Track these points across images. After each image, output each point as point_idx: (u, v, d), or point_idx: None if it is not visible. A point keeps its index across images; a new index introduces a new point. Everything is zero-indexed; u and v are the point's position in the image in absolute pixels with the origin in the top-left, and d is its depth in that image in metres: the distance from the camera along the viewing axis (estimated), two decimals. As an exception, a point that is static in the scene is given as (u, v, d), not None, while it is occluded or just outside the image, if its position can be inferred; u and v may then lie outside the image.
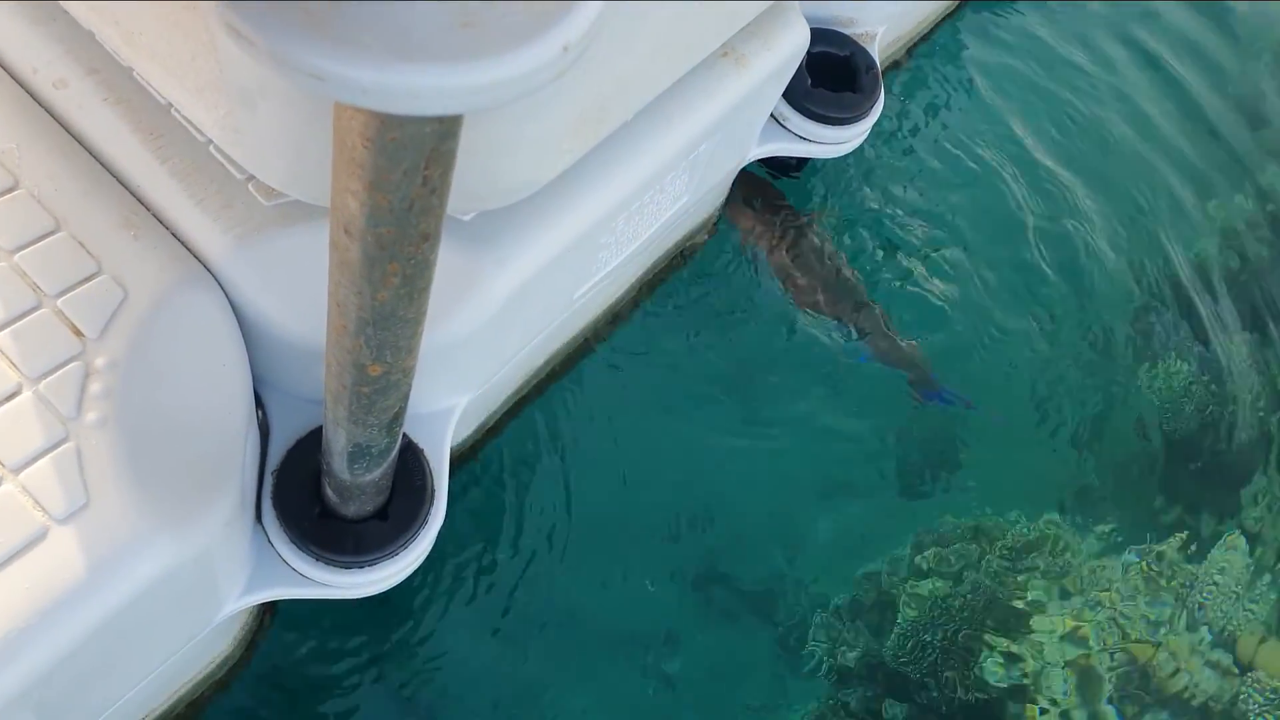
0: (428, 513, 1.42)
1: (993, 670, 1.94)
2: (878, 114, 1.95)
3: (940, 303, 2.25)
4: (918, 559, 2.01)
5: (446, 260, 1.19)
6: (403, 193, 0.73)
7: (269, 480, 1.37)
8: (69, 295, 1.14)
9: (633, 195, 1.44)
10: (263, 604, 1.63)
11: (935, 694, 1.91)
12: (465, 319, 1.31)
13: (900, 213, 2.33)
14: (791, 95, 1.86)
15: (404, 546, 1.40)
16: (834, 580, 1.98)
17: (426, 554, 1.45)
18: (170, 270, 1.19)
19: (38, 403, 1.08)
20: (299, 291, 1.23)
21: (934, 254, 2.31)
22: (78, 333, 1.13)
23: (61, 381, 1.10)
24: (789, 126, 1.89)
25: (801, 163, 2.20)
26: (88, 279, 1.15)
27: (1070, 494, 2.15)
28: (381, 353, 0.97)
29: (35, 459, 1.06)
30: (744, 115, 1.64)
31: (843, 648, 1.92)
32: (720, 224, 2.17)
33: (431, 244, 0.85)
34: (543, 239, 1.33)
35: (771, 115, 1.88)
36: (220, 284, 1.22)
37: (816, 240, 2.15)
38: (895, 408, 2.13)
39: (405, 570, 1.43)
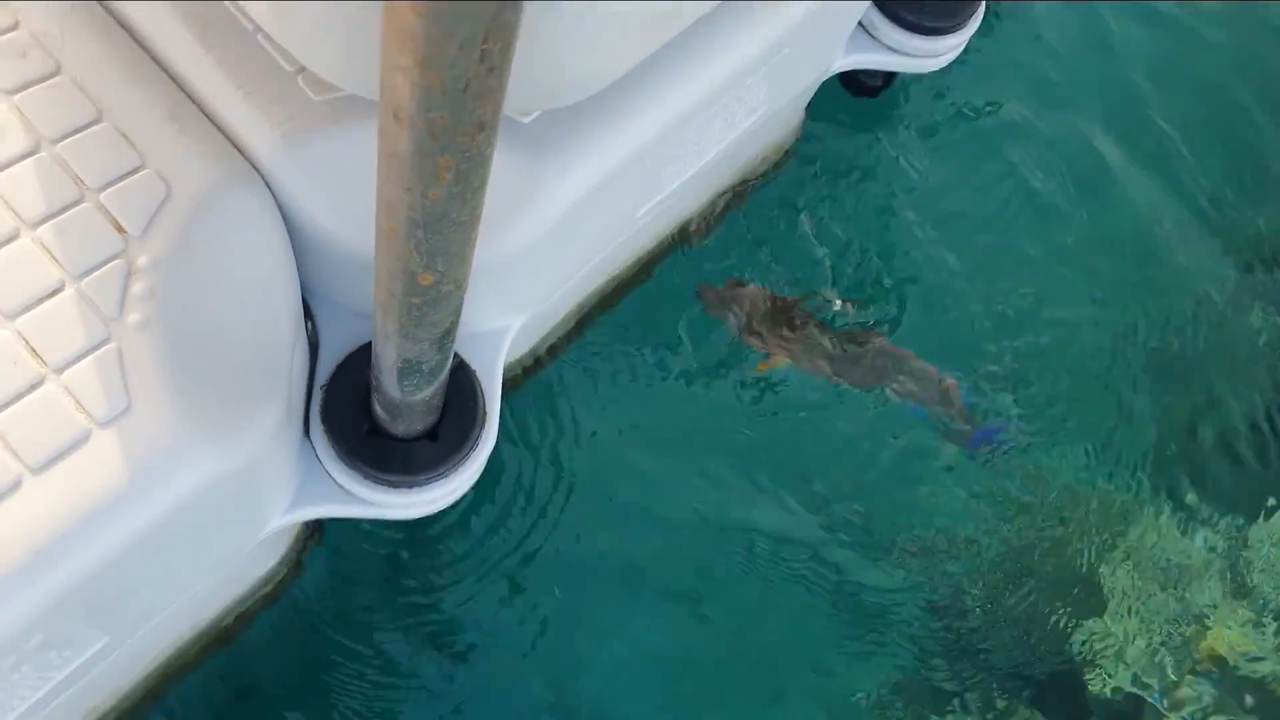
0: (479, 435, 1.37)
1: (1058, 626, 1.88)
2: (976, 25, 1.80)
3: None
4: (991, 507, 1.93)
5: (503, 167, 1.12)
6: (458, 70, 0.66)
7: (317, 395, 1.33)
8: (111, 190, 1.09)
9: (706, 102, 1.34)
10: (311, 522, 1.61)
11: (1010, 656, 1.85)
12: (522, 232, 1.24)
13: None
14: (882, 1, 1.73)
15: (454, 469, 1.35)
16: (899, 518, 1.90)
17: (477, 478, 1.41)
18: (216, 168, 1.13)
19: (80, 301, 1.04)
20: (350, 196, 1.17)
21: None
22: (120, 229, 1.08)
23: (104, 279, 1.05)
24: (878, 36, 1.75)
25: (888, 79, 2.06)
26: (130, 173, 1.10)
27: (1153, 456, 2.03)
28: (433, 260, 0.91)
29: (77, 359, 1.02)
30: (830, 19, 1.51)
31: (905, 589, 1.86)
32: (800, 144, 2.05)
33: (488, 135, 0.77)
34: (607, 147, 1.25)
35: (860, 24, 1.74)
36: (268, 184, 1.16)
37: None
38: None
39: (454, 493, 1.39)
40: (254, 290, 1.13)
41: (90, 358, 1.02)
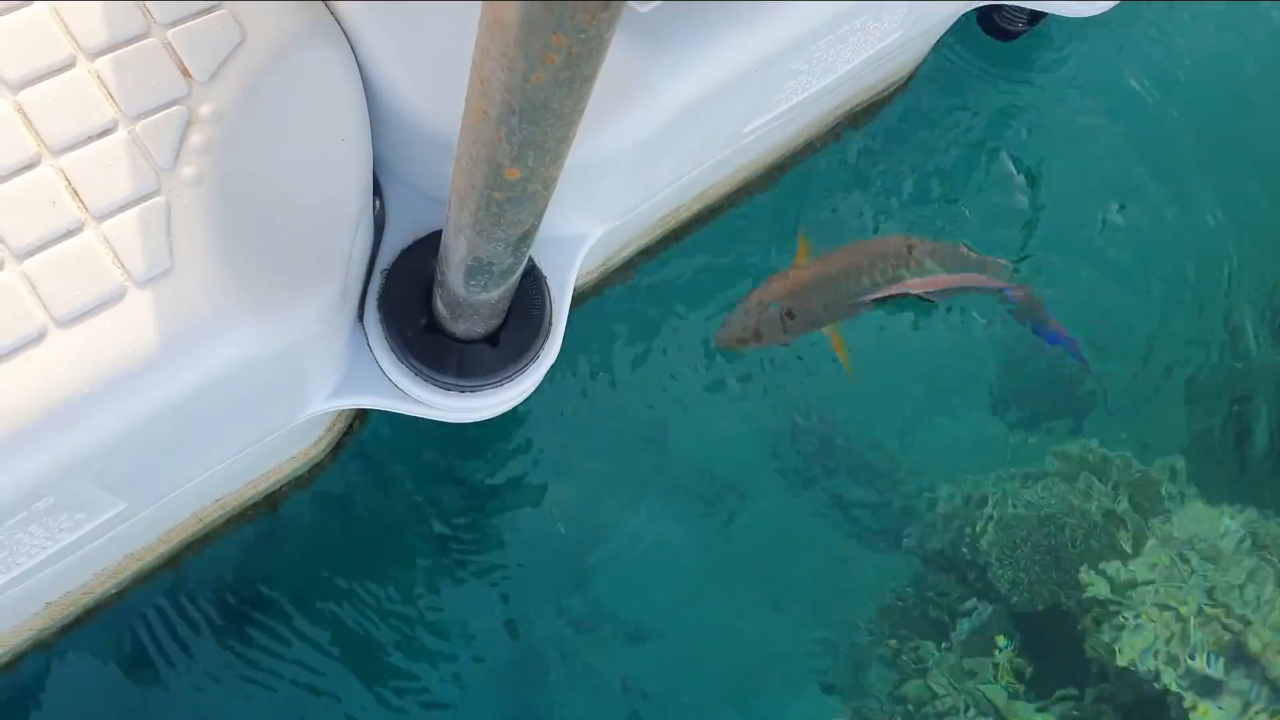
0: (541, 346, 1.27)
1: (1080, 595, 1.81)
2: None
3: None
4: (1025, 476, 1.84)
5: (611, 57, 0.99)
6: (592, -76, 0.53)
7: (377, 279, 1.23)
8: (181, 27, 0.98)
9: (844, 17, 1.19)
10: (351, 414, 1.54)
11: (1016, 602, 1.79)
12: (621, 133, 1.11)
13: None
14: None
15: (510, 378, 1.26)
16: (934, 478, 1.82)
17: (532, 390, 1.32)
18: (296, 18, 1.02)
19: (132, 145, 0.94)
20: (441, 67, 1.05)
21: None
22: (185, 72, 0.97)
23: (161, 125, 0.95)
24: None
25: (1031, 22, 1.87)
26: (204, 12, 0.99)
27: (1186, 447, 1.92)
28: (523, 153, 0.79)
29: (121, 209, 0.93)
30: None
31: (930, 540, 1.80)
32: (917, 78, 1.88)
33: (610, 16, 0.65)
34: (728, 51, 1.11)
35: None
36: (351, 43, 1.05)
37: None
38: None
39: (508, 403, 1.30)
40: (323, 157, 1.02)
41: (135, 209, 0.93)
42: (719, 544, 1.72)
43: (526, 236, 0.98)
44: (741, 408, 1.78)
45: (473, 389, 1.26)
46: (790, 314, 1.74)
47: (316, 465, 1.52)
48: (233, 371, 0.97)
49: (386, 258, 1.23)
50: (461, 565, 1.64)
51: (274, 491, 1.49)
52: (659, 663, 1.67)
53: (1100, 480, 1.86)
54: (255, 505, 1.48)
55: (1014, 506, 1.83)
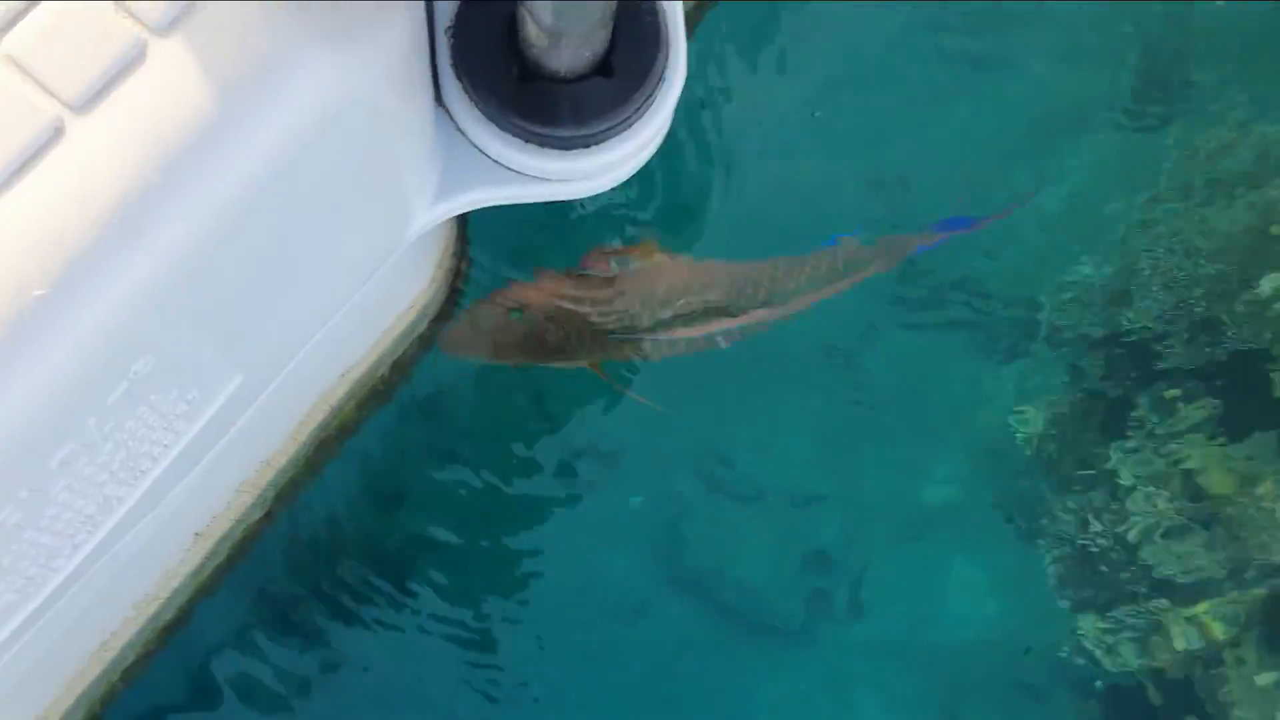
0: (665, 63, 1.00)
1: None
2: None
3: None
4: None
5: None
6: None
7: (444, 43, 0.97)
8: None
9: None
10: (458, 243, 1.29)
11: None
12: None
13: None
14: None
15: (639, 112, 1.00)
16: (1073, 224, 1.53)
17: (668, 126, 1.06)
18: None
19: None
20: None
21: None
22: None
23: None
24: None
25: None
26: None
27: None
28: None
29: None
30: None
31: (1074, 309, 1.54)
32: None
33: None
34: None
35: None
36: None
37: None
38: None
39: (643, 150, 1.05)
40: None
41: (122, -68, 0.67)
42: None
43: None
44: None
45: (598, 137, 1.00)
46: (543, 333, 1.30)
47: (436, 317, 1.29)
48: (316, 125, 0.73)
49: (447, 14, 0.97)
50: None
51: (399, 357, 1.26)
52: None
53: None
54: (384, 378, 1.26)
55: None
